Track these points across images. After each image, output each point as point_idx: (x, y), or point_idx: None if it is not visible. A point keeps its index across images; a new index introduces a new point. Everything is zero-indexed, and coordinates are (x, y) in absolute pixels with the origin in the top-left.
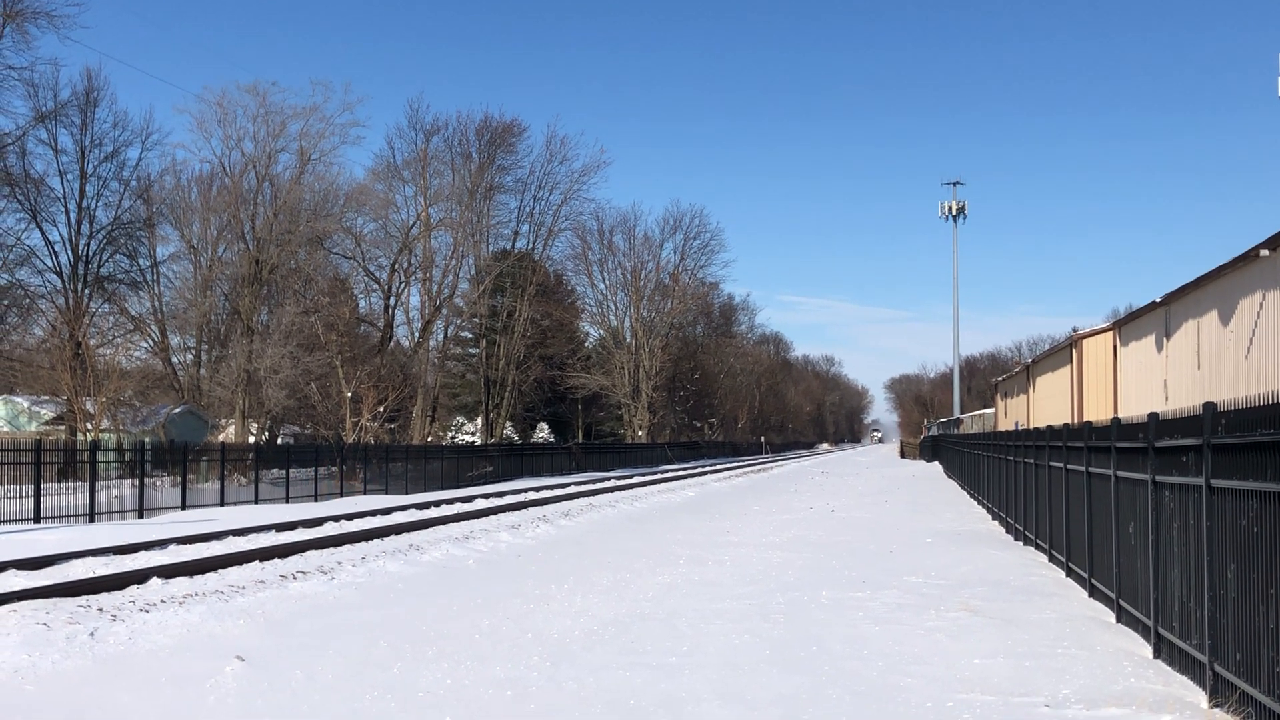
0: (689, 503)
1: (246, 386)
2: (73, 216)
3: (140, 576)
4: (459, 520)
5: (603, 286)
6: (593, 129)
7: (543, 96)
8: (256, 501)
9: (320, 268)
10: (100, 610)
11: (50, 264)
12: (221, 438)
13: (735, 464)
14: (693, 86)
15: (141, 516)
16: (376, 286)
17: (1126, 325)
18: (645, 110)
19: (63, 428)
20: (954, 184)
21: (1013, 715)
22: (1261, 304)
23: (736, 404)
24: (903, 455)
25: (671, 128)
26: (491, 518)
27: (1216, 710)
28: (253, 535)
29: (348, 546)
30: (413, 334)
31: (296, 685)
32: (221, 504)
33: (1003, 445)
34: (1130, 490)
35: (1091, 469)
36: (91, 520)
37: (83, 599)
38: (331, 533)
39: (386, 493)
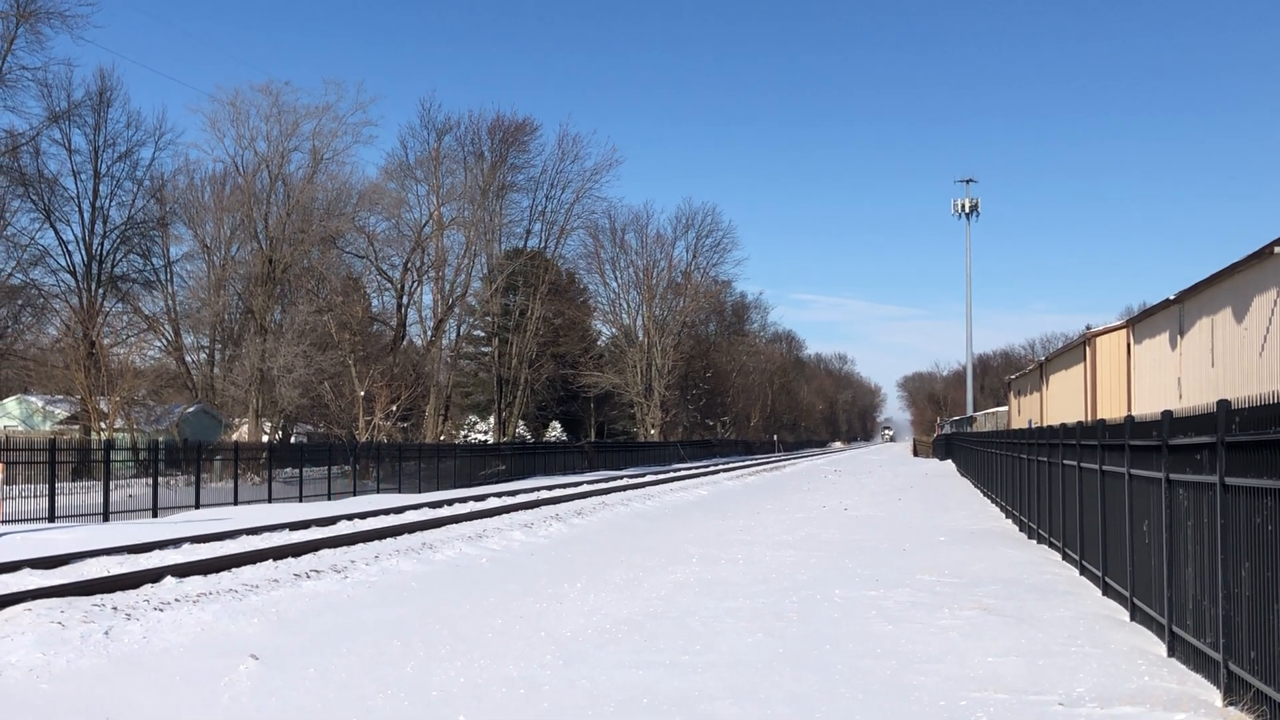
0: (701, 501)
1: (260, 385)
2: (86, 216)
3: (154, 575)
4: (472, 519)
5: (615, 285)
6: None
7: (554, 96)
8: (270, 500)
9: (333, 267)
10: (115, 609)
11: (64, 264)
12: (235, 437)
13: (748, 462)
14: (705, 85)
15: (155, 515)
16: (389, 285)
17: (1140, 323)
18: (657, 109)
19: (77, 427)
20: (966, 181)
21: (1026, 714)
22: (1276, 301)
23: (749, 402)
24: (915, 453)
25: (684, 127)
26: (504, 516)
27: (1231, 709)
28: (266, 534)
29: (361, 545)
30: (425, 333)
31: (310, 683)
32: (235, 503)
33: (1016, 443)
34: (1144, 488)
35: (1105, 467)
36: (106, 519)
37: (97, 598)
38: (345, 531)
39: (399, 491)
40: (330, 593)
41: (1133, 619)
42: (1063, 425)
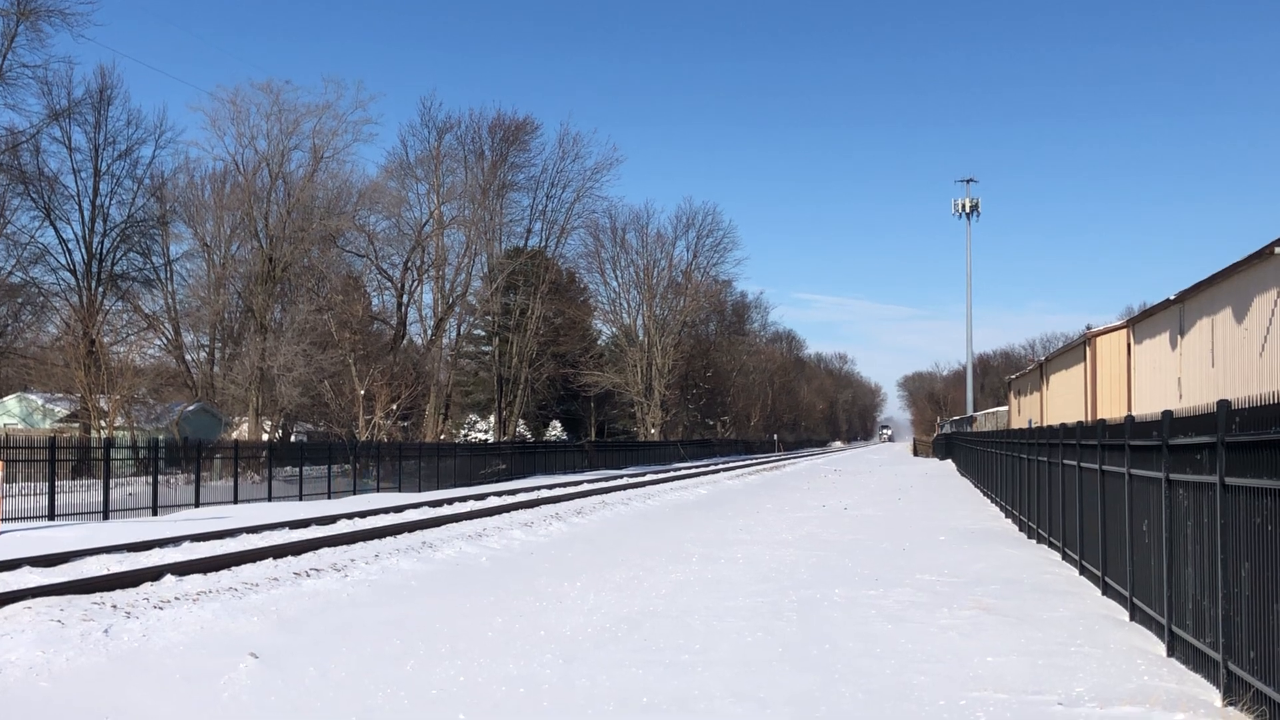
0: (701, 500)
1: (260, 384)
2: (86, 214)
3: (154, 574)
4: (472, 518)
5: (615, 284)
6: (605, 127)
7: (555, 95)
8: (270, 499)
9: (333, 265)
10: (114, 607)
11: (64, 262)
12: (235, 435)
13: (748, 462)
14: (706, 86)
15: (155, 514)
16: (389, 284)
17: (1140, 323)
18: (658, 109)
19: (77, 425)
20: (967, 181)
21: (1026, 713)
22: (1276, 301)
23: (749, 402)
24: (916, 453)
25: (684, 126)
26: (504, 515)
27: (1230, 709)
28: (266, 532)
29: (361, 544)
30: (425, 332)
31: (310, 682)
32: (235, 501)
33: (1016, 443)
34: (1144, 488)
35: (1105, 467)
36: (105, 517)
37: (97, 596)
38: (344, 530)
39: (400, 490)
40: (330, 591)
41: (1132, 619)
42: (1063, 425)
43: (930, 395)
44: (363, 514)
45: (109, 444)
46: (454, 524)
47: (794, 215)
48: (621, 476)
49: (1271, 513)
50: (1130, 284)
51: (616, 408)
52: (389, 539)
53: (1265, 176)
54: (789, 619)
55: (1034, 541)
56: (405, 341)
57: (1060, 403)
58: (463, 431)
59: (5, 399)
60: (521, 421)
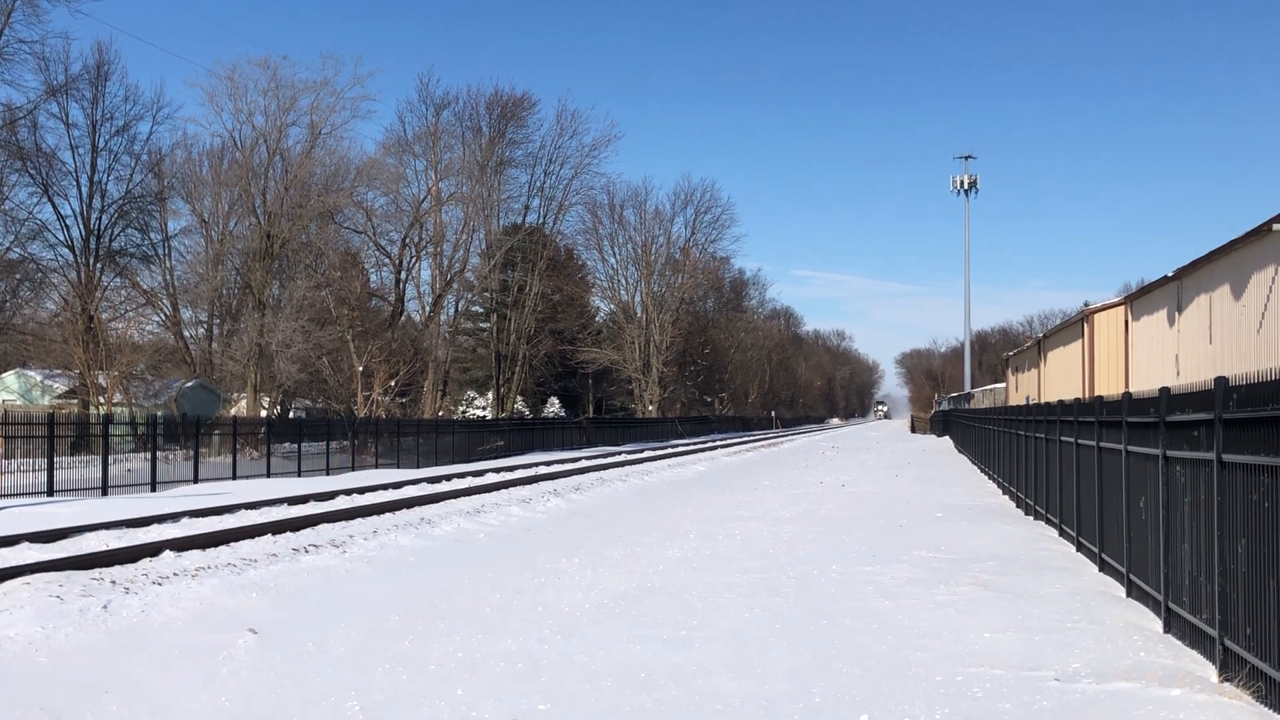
0: (699, 477)
1: (258, 360)
2: (84, 190)
3: (153, 549)
4: (470, 494)
5: (613, 261)
6: (604, 103)
7: (553, 71)
8: (268, 475)
9: (331, 242)
10: (113, 583)
11: (62, 238)
12: (233, 411)
13: (745, 439)
14: (704, 62)
15: (154, 490)
16: (388, 261)
17: (1138, 300)
18: (656, 86)
19: (75, 401)
20: (965, 158)
21: (1022, 689)
22: (1274, 278)
23: (747, 379)
24: (913, 430)
25: (683, 103)
26: (502, 492)
27: (1226, 684)
28: (265, 508)
29: (359, 520)
30: (424, 308)
31: (309, 657)
32: (234, 477)
33: (1013, 420)
34: (1141, 465)
35: (1102, 444)
36: (104, 493)
37: (96, 572)
38: (343, 506)
39: (398, 467)
40: (329, 567)
41: (1129, 595)
42: (1060, 402)
43: (928, 372)
44: (361, 490)
45: (107, 420)
46: (452, 500)
47: (792, 192)
48: (619, 453)
49: (1268, 489)
50: (1128, 261)
51: (614, 385)
52: (387, 515)
53: (1264, 154)
54: (786, 595)
55: (1031, 518)
56: (403, 318)
57: (1058, 379)
58: (461, 408)
59: (4, 375)
60: (519, 398)
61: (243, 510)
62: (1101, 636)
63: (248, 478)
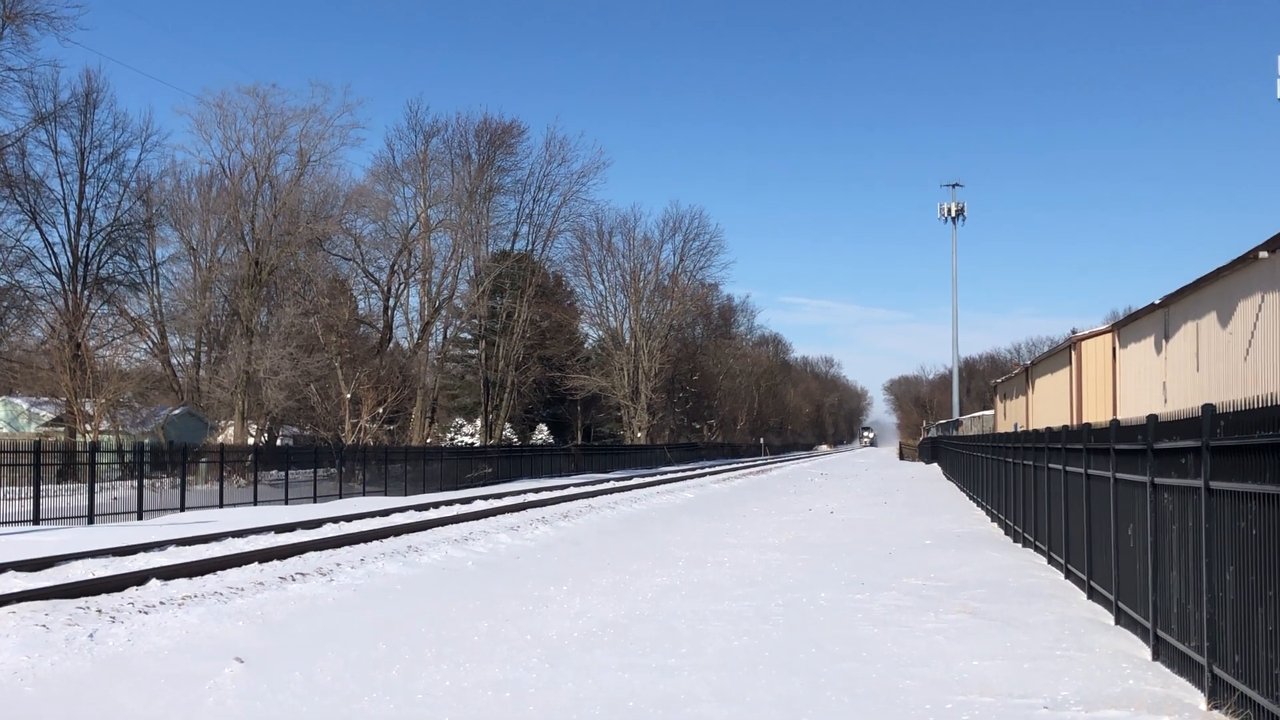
0: (688, 504)
1: (246, 388)
2: (72, 218)
3: (139, 578)
4: (458, 522)
5: (602, 288)
6: (592, 131)
7: (542, 99)
8: (255, 503)
9: (320, 269)
10: (99, 612)
11: (50, 265)
12: (221, 439)
13: (734, 465)
14: (692, 89)
15: (140, 518)
16: (376, 288)
17: (1125, 327)
18: (645, 113)
19: (62, 429)
20: (953, 186)
21: (1011, 717)
22: (1261, 306)
23: (735, 405)
24: (902, 457)
25: (671, 130)
26: (490, 519)
27: (1215, 712)
28: (252, 537)
29: (346, 548)
30: (412, 335)
31: (295, 686)
32: (220, 505)
33: (1002, 447)
34: (1129, 492)
35: (1090, 471)
36: (90, 522)
37: (82, 600)
38: (330, 534)
39: (385, 494)
40: (316, 596)
41: (1118, 623)
42: (1048, 429)
43: (916, 399)
44: (348, 518)
45: (94, 448)
46: (440, 528)
47: (781, 219)
48: (608, 480)
49: (1256, 517)
50: (1116, 288)
51: (603, 411)
52: (375, 543)
53: (1250, 182)
54: (775, 623)
55: (1020, 545)
56: (391, 345)
57: (1046, 407)
58: (449, 435)
59: None
60: (508, 425)
61: (230, 538)
62: (1090, 664)
63: (235, 505)
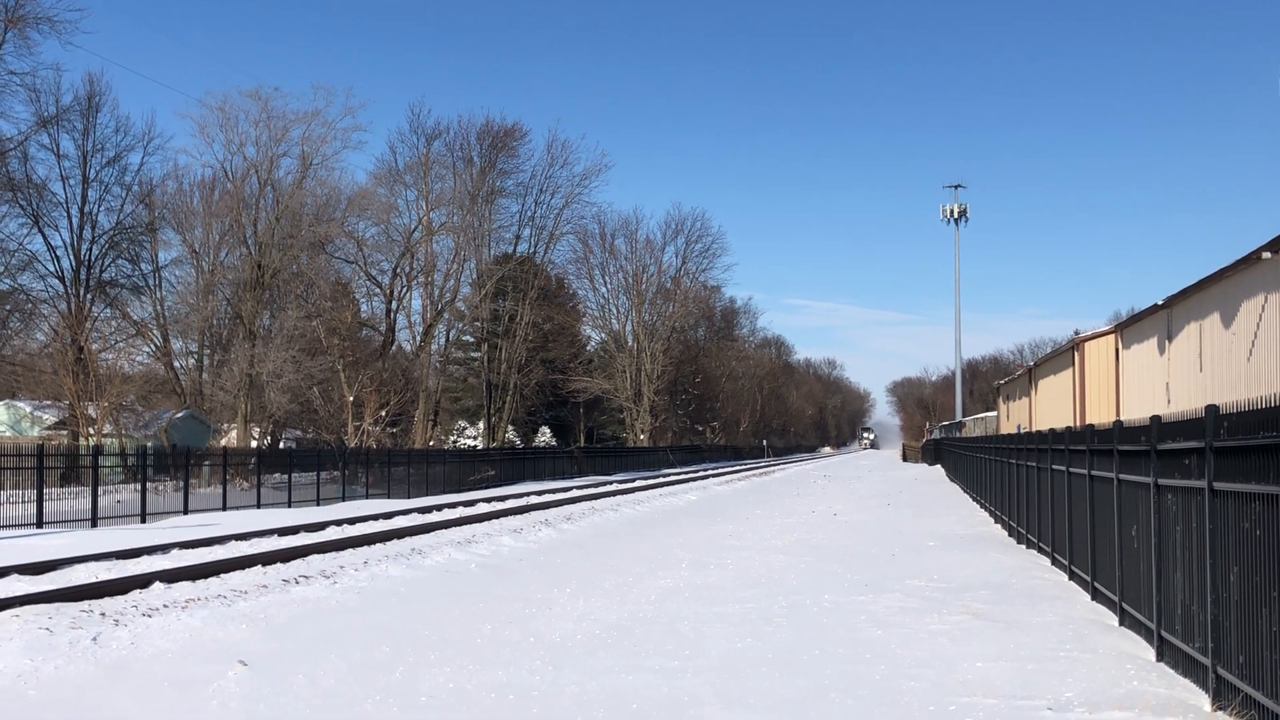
0: (691, 506)
1: (249, 391)
2: (75, 221)
3: (143, 581)
4: (461, 524)
5: (604, 290)
6: (594, 133)
7: (544, 101)
8: (259, 506)
9: (322, 272)
10: (103, 615)
11: (52, 269)
12: (224, 442)
13: (737, 467)
14: (694, 91)
15: (144, 521)
16: (378, 291)
17: (1129, 328)
18: (647, 115)
19: (65, 432)
20: (955, 187)
21: (1015, 718)
22: (1264, 306)
23: (738, 407)
24: (905, 458)
25: (673, 132)
26: (493, 522)
27: (1220, 713)
28: (255, 539)
29: (350, 551)
30: (414, 338)
31: (299, 689)
32: (224, 508)
33: (1005, 448)
34: (1132, 493)
35: (1094, 472)
36: (94, 525)
37: (85, 604)
38: (333, 537)
39: (389, 497)
40: (319, 598)
41: (1121, 624)
42: (1051, 430)
43: (919, 401)
44: (352, 520)
45: (97, 451)
46: (443, 530)
47: (783, 221)
48: (611, 482)
49: (1260, 517)
50: (1119, 289)
51: (606, 413)
52: (378, 545)
53: (1253, 182)
54: (779, 625)
55: (1023, 547)
56: (394, 348)
57: (1049, 408)
58: (452, 438)
59: None
60: (511, 428)
61: (233, 541)
62: (1094, 665)
63: (238, 508)
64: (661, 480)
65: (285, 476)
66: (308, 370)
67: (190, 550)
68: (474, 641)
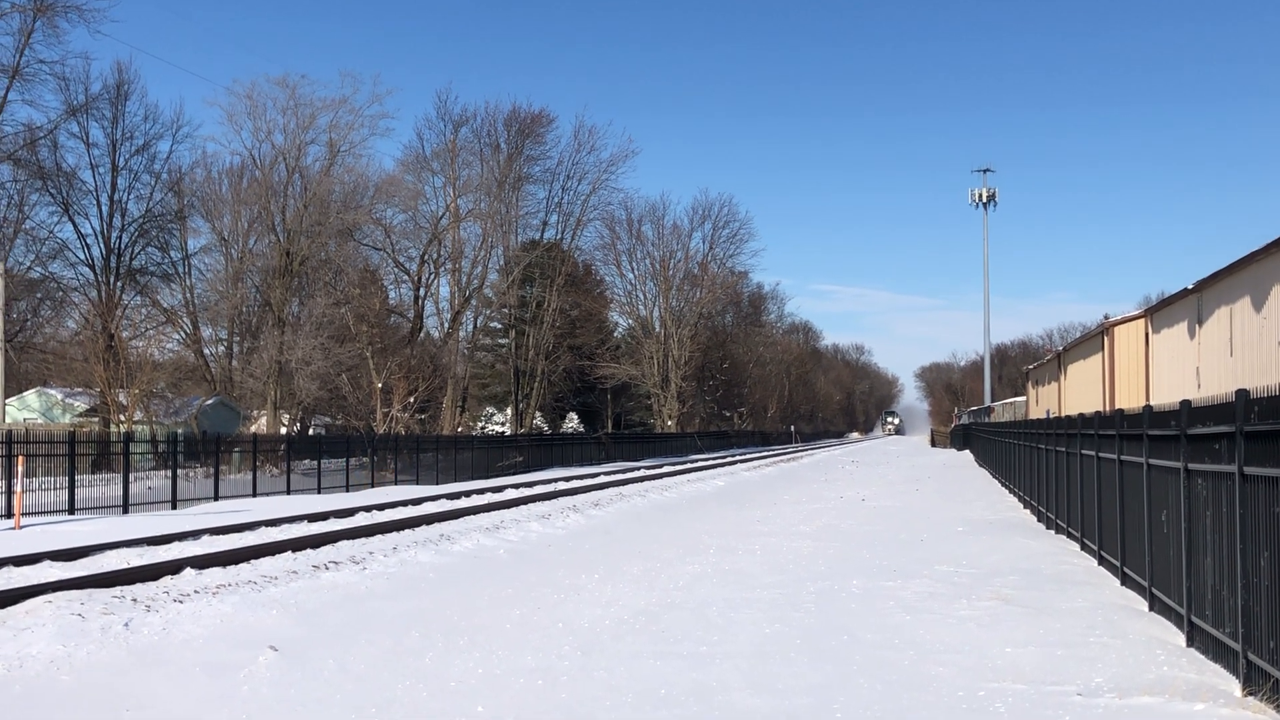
0: (719, 492)
1: (278, 378)
2: (104, 209)
3: (174, 567)
4: (489, 510)
5: (631, 276)
6: (621, 119)
7: (571, 87)
8: (289, 492)
9: (350, 259)
10: (134, 601)
11: (83, 257)
12: (253, 429)
13: (765, 453)
14: (721, 76)
15: (174, 507)
16: (406, 277)
17: (1158, 312)
18: (674, 100)
19: (96, 419)
20: (984, 171)
21: (1045, 704)
22: None
23: (766, 393)
24: (933, 444)
25: (700, 118)
26: (521, 508)
27: (1250, 699)
28: (285, 526)
29: (379, 537)
30: (442, 325)
31: (329, 674)
32: (254, 495)
33: (1034, 433)
34: (1162, 478)
35: (1123, 457)
36: (125, 511)
37: (117, 590)
38: (363, 523)
39: (417, 483)
40: (349, 584)
41: (1151, 609)
42: (1081, 415)
43: (948, 386)
44: (380, 506)
45: (128, 438)
46: (471, 516)
47: (811, 206)
48: (638, 468)
49: None
50: (1148, 273)
51: (633, 399)
52: (407, 531)
53: None
54: (807, 610)
55: (1052, 532)
56: (422, 335)
57: (1078, 393)
58: (480, 424)
59: (25, 394)
60: (538, 414)
61: (263, 527)
62: (1124, 651)
63: (268, 495)
64: (689, 466)
65: (315, 463)
66: (336, 357)
67: (221, 536)
68: (503, 627)
